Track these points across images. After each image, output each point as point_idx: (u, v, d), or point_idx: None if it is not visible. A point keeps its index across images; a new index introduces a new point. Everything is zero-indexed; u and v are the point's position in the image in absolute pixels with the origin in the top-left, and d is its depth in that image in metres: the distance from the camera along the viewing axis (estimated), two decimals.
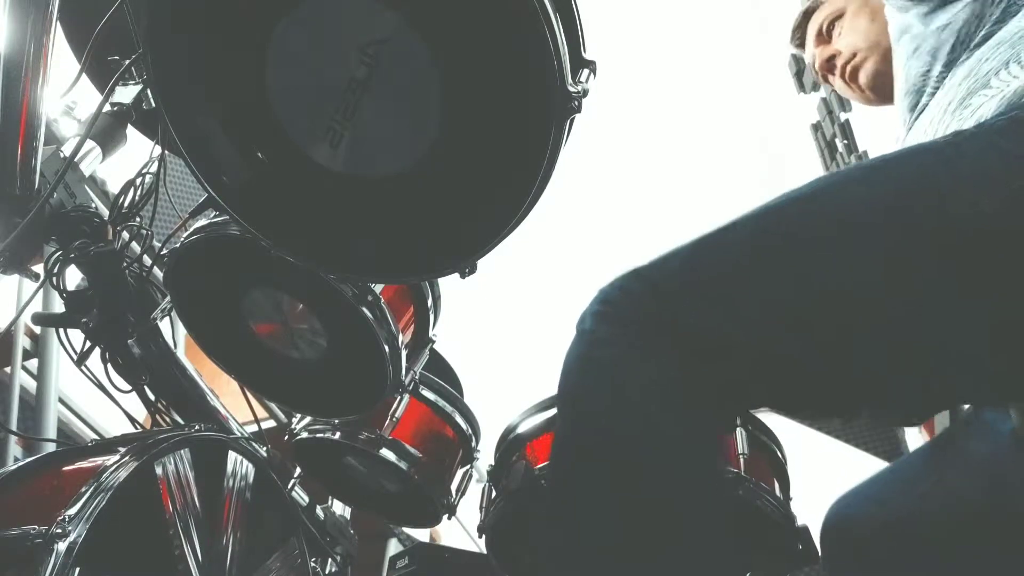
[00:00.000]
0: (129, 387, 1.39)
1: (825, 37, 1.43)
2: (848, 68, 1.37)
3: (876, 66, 1.33)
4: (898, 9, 1.13)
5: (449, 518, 1.64)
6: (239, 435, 1.44)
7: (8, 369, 2.32)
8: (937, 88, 1.05)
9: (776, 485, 1.50)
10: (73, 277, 1.31)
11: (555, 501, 0.79)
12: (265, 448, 1.42)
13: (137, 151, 1.36)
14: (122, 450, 1.04)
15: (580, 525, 0.74)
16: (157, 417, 1.43)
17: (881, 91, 1.36)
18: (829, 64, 1.41)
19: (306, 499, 1.61)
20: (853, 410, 0.87)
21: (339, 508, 1.76)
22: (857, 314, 0.77)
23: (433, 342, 1.43)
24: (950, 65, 1.04)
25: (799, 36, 1.51)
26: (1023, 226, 0.73)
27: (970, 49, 1.02)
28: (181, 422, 1.43)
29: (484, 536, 1.60)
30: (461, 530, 3.30)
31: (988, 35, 1.00)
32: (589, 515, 0.74)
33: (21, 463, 1.06)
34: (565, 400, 0.83)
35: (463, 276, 0.99)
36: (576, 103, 0.83)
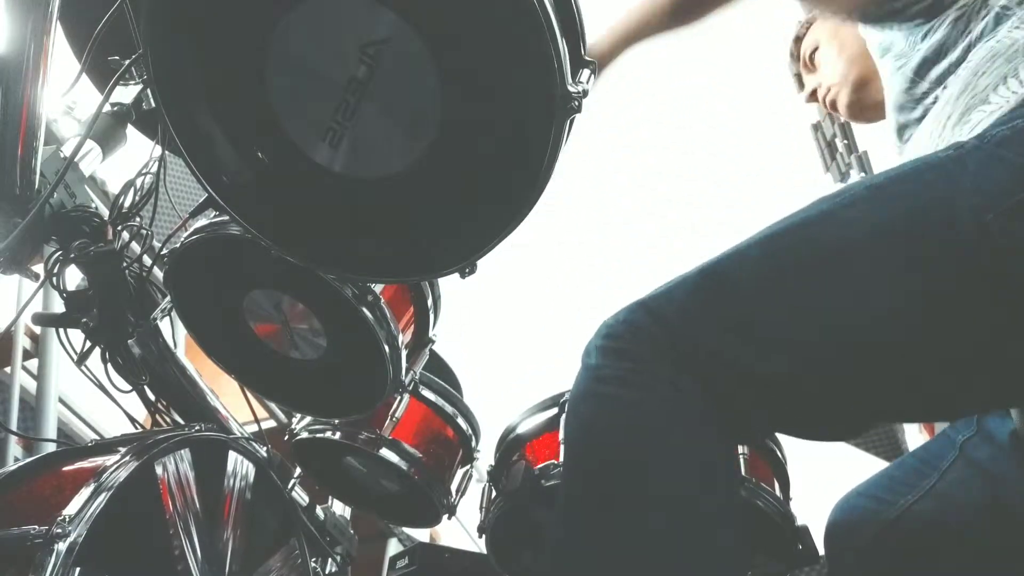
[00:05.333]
0: (129, 387, 1.39)
1: (810, 67, 1.51)
2: (827, 100, 1.46)
3: (848, 98, 1.41)
4: (878, 27, 1.13)
5: (449, 518, 1.64)
6: (239, 435, 1.44)
7: (8, 369, 2.32)
8: (932, 101, 1.04)
9: (776, 485, 1.50)
10: (73, 277, 1.31)
11: (563, 535, 0.78)
12: (265, 448, 1.41)
13: (137, 151, 1.36)
14: (122, 450, 1.04)
15: (589, 558, 0.74)
16: (157, 417, 1.43)
17: (861, 115, 1.44)
18: (813, 95, 1.50)
19: (306, 499, 1.61)
20: (865, 429, 0.87)
21: (339, 508, 1.76)
22: (868, 333, 0.77)
23: (433, 342, 1.43)
24: (942, 78, 1.03)
25: (795, 61, 1.58)
26: None
27: (962, 61, 1.01)
28: (181, 422, 1.43)
29: (484, 536, 1.59)
30: (461, 530, 3.30)
31: (980, 46, 0.99)
32: (598, 548, 0.73)
33: (21, 463, 1.06)
34: (573, 435, 0.82)
35: (463, 276, 0.99)
36: (576, 103, 0.83)
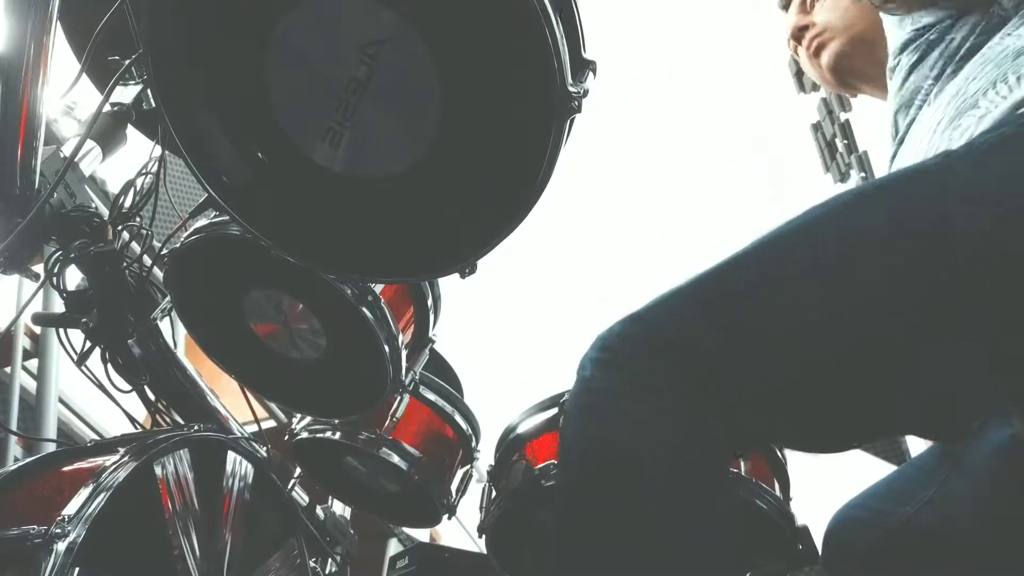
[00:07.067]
0: (129, 387, 1.39)
1: (807, 8, 1.40)
2: (815, 42, 1.35)
3: (841, 48, 1.31)
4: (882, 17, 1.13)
5: (449, 518, 1.64)
6: (239, 435, 1.44)
7: (8, 369, 2.32)
8: (925, 103, 1.05)
9: (776, 485, 1.50)
10: (73, 277, 1.31)
11: (557, 548, 0.78)
12: (265, 448, 1.41)
13: (137, 151, 1.36)
14: (122, 450, 1.04)
15: (581, 571, 0.74)
16: (157, 417, 1.44)
17: (839, 75, 1.34)
18: (799, 32, 1.38)
19: (306, 499, 1.61)
20: (862, 440, 0.87)
21: (339, 508, 1.76)
22: (862, 341, 0.77)
23: (433, 342, 1.43)
24: (937, 79, 1.03)
25: (784, 6, 1.47)
26: (1015, 244, 0.73)
27: (956, 62, 1.01)
28: (181, 422, 1.43)
29: (484, 536, 1.60)
30: (461, 530, 3.30)
31: (973, 48, 0.99)
32: (590, 562, 0.74)
33: (21, 463, 1.06)
34: (568, 448, 0.82)
35: (463, 276, 0.99)
36: (576, 103, 0.83)
